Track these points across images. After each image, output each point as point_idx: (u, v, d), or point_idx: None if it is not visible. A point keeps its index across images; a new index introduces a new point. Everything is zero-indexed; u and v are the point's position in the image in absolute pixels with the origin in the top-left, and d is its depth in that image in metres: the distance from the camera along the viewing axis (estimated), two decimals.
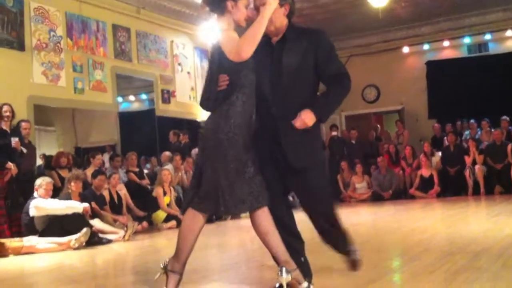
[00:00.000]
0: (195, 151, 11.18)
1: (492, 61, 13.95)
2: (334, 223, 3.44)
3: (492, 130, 12.19)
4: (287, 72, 3.20)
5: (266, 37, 3.28)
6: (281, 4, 3.23)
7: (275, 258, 3.16)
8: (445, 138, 12.87)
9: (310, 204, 3.38)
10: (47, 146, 10.67)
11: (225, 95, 3.12)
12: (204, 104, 3.30)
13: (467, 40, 14.45)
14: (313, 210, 3.38)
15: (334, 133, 14.09)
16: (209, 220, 3.46)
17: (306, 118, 3.10)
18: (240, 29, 3.20)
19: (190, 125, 12.44)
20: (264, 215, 3.16)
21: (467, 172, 11.74)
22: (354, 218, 8.75)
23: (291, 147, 3.20)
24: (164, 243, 7.52)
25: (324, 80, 3.29)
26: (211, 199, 3.13)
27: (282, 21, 3.28)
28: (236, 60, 3.03)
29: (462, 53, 14.69)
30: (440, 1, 13.09)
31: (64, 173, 8.49)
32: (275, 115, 3.21)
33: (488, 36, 14.18)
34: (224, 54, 3.09)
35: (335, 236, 3.49)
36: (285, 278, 3.03)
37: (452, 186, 11.97)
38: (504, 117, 12.48)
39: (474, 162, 11.83)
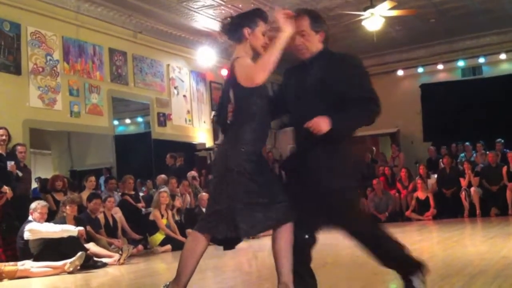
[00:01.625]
0: (191, 173, 11.17)
1: (486, 84, 14.08)
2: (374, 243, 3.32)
3: (487, 152, 12.24)
4: (309, 93, 3.20)
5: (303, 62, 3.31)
6: (316, 31, 3.26)
7: (278, 276, 3.13)
8: (441, 160, 12.91)
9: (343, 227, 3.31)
10: (42, 169, 10.67)
11: (235, 122, 3.14)
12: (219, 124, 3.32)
13: (461, 63, 14.59)
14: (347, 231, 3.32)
15: None
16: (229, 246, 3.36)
17: (320, 121, 3.02)
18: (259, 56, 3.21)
19: (186, 148, 12.46)
20: (283, 232, 3.13)
21: (462, 194, 11.75)
22: (350, 241, 8.72)
23: (315, 168, 3.15)
24: (159, 267, 7.48)
25: (348, 103, 3.18)
26: (223, 222, 3.12)
27: (318, 48, 3.29)
28: (248, 86, 3.05)
29: (456, 76, 14.82)
30: (434, 25, 13.24)
31: (59, 196, 8.46)
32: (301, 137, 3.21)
33: (482, 59, 14.33)
34: (236, 81, 3.10)
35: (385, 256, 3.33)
36: None
37: (448, 208, 11.97)
38: (499, 139, 12.55)
39: (469, 184, 11.85)
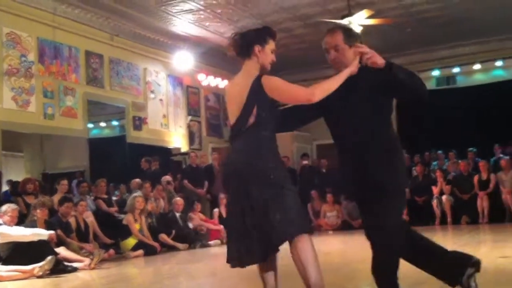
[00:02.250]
0: (165, 178, 11.11)
1: (460, 93, 14.27)
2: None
3: (459, 161, 12.41)
4: (359, 104, 3.31)
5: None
6: (350, 46, 3.39)
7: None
8: (414, 168, 13.05)
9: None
10: (14, 172, 10.52)
11: (255, 128, 3.29)
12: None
13: (435, 72, 14.76)
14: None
15: (305, 162, 14.17)
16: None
17: (377, 55, 3.27)
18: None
19: (161, 152, 12.39)
20: (307, 242, 3.22)
21: (434, 202, 11.90)
22: (325, 247, 8.76)
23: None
24: (131, 272, 7.42)
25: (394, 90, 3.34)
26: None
27: (352, 61, 3.38)
28: (304, 102, 3.27)
29: (431, 85, 14.98)
30: (410, 34, 13.39)
31: (30, 199, 8.34)
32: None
33: (456, 69, 14.52)
34: (264, 98, 3.26)
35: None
36: None
37: (419, 216, 12.08)
38: (471, 148, 12.74)
39: (441, 192, 12.00)
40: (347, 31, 3.47)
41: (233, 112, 3.40)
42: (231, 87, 3.51)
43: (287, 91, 3.29)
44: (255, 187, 3.18)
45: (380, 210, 3.21)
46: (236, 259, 3.30)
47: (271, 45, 3.40)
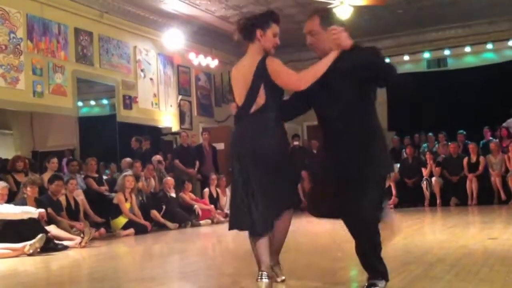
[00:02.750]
0: (156, 157, 11.09)
1: (451, 76, 14.31)
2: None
3: (449, 143, 12.49)
4: (339, 84, 3.34)
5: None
6: (326, 29, 3.37)
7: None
8: (404, 150, 13.11)
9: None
10: (3, 149, 10.43)
11: (261, 114, 3.43)
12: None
13: (426, 55, 14.78)
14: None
15: (295, 142, 14.17)
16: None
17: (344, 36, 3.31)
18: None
19: (152, 132, 12.34)
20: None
21: (424, 184, 11.98)
22: (314, 227, 8.80)
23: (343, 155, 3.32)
24: (121, 250, 7.44)
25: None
26: None
27: (330, 46, 3.37)
28: (293, 89, 3.43)
29: (422, 67, 15.01)
30: (402, 16, 13.36)
31: (20, 177, 8.30)
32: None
33: (447, 52, 14.54)
34: (269, 78, 3.39)
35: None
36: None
37: (409, 197, 12.18)
38: (461, 131, 12.81)
39: (431, 174, 12.08)
40: (324, 15, 3.48)
41: (240, 93, 3.50)
42: (236, 69, 3.60)
43: (282, 75, 3.40)
44: (255, 174, 3.38)
45: (355, 198, 3.23)
46: (233, 224, 3.50)
47: (273, 29, 3.51)
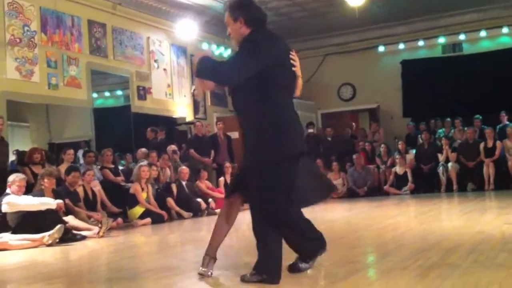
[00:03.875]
0: (171, 147, 11.13)
1: (466, 61, 14.16)
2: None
3: (465, 128, 12.39)
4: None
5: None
6: (234, 20, 3.51)
7: None
8: (419, 136, 13.04)
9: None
10: (20, 142, 10.54)
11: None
12: None
13: (441, 40, 14.63)
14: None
15: (310, 130, 14.16)
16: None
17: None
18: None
19: (166, 122, 12.39)
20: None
21: (440, 170, 11.92)
22: (330, 214, 8.81)
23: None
24: (138, 240, 7.49)
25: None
26: None
27: (242, 33, 3.51)
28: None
29: (437, 53, 14.87)
30: (415, 1, 13.23)
31: (37, 169, 8.38)
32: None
33: (462, 37, 14.38)
34: None
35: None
36: None
37: (425, 183, 12.13)
38: (477, 116, 12.70)
39: (447, 160, 12.01)
40: (231, 6, 3.56)
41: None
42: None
43: None
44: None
45: (252, 184, 3.44)
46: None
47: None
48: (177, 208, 9.60)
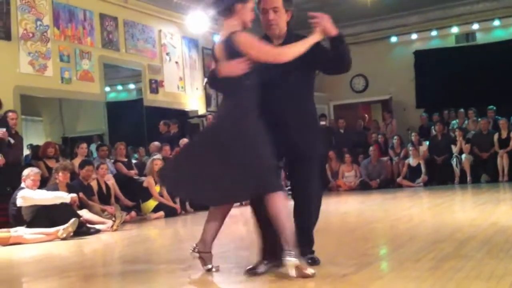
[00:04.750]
0: (183, 141, 11.14)
1: (479, 51, 14.03)
2: None
3: (479, 119, 12.29)
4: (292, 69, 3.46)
5: (268, 39, 3.57)
6: (286, 10, 3.53)
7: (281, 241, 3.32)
8: (433, 127, 12.96)
9: None
10: (34, 136, 10.63)
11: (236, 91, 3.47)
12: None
13: (454, 29, 14.50)
14: None
15: (322, 122, 14.11)
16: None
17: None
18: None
19: (178, 115, 12.41)
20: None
21: (454, 161, 11.84)
22: (343, 207, 8.81)
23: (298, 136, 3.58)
24: (152, 233, 7.54)
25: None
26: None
27: (284, 26, 3.57)
28: (271, 61, 3.36)
29: (450, 42, 14.75)
30: None
31: (51, 163, 8.44)
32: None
33: (475, 26, 14.24)
34: (239, 54, 3.35)
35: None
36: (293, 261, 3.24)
37: (439, 175, 12.06)
38: (491, 106, 12.59)
39: (460, 151, 11.93)
40: None
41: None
42: (217, 50, 3.58)
43: (258, 47, 3.37)
44: None
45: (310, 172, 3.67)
46: None
47: (251, 3, 3.47)
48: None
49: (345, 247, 4.57)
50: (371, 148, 12.77)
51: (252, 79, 3.40)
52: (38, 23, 9.53)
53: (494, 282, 2.94)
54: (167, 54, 12.36)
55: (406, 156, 12.48)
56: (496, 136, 11.68)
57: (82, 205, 7.62)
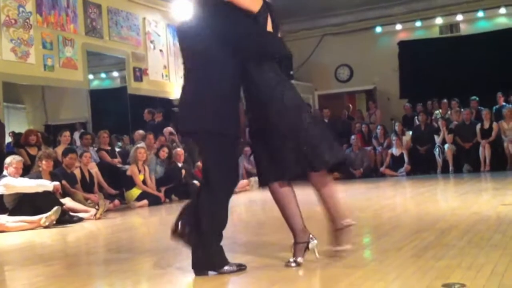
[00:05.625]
0: (167, 129, 11.11)
1: (463, 41, 14.12)
2: None
3: (462, 110, 12.38)
4: None
5: None
6: None
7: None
8: (416, 117, 13.03)
9: None
10: (16, 123, 10.52)
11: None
12: None
13: (439, 20, 14.57)
14: None
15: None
16: None
17: None
18: None
19: (163, 104, 12.35)
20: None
21: (436, 151, 11.94)
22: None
23: None
24: (136, 221, 7.52)
25: None
26: None
27: None
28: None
29: (434, 33, 14.82)
30: None
31: (33, 151, 8.37)
32: None
33: (459, 17, 14.32)
34: None
35: None
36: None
37: (421, 165, 12.15)
38: (474, 97, 12.68)
39: (443, 141, 12.02)
40: None
41: None
42: None
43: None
44: None
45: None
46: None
47: None
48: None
49: (328, 236, 4.59)
50: (353, 137, 12.83)
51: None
52: (21, 9, 9.41)
53: (475, 271, 2.98)
54: (152, 42, 12.28)
55: (390, 146, 12.55)
56: (478, 127, 11.78)
57: (65, 193, 7.57)
